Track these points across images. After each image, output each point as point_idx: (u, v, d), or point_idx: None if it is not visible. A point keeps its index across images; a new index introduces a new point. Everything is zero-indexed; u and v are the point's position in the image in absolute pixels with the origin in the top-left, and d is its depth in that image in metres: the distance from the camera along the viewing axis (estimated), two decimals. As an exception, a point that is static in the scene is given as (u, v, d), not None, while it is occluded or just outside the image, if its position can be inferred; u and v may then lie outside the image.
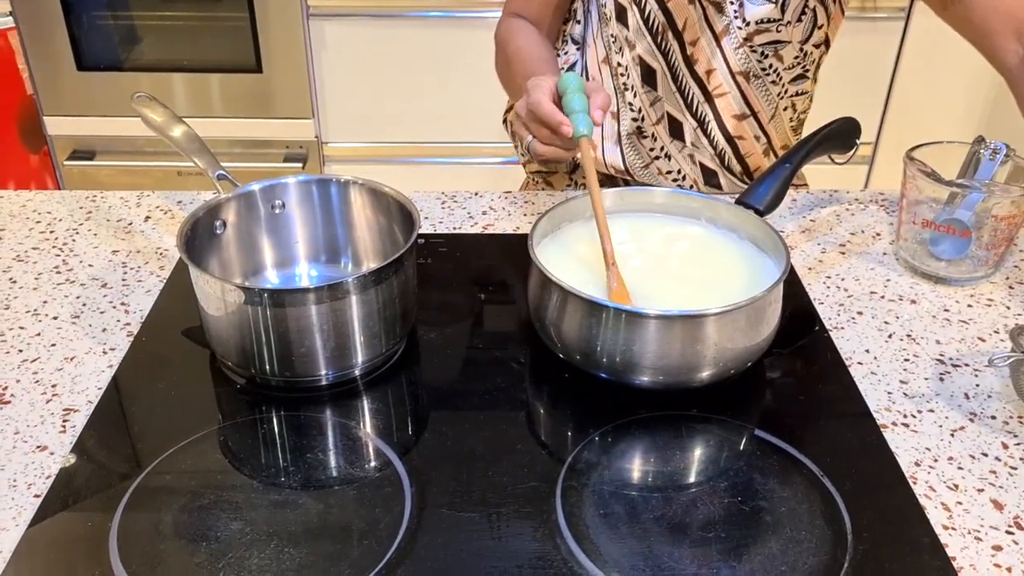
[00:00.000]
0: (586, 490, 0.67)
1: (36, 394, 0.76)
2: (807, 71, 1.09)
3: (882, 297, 0.91)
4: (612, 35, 1.08)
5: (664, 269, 0.84)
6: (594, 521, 0.64)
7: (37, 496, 0.66)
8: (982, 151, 0.95)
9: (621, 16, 1.06)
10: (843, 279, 0.94)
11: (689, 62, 1.06)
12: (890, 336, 0.85)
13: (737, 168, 1.13)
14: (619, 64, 1.09)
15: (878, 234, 1.02)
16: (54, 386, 0.77)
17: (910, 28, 2.04)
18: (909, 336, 0.85)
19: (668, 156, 1.12)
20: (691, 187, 1.14)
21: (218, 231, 0.79)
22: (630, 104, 1.10)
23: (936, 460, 0.70)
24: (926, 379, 0.79)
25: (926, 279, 0.94)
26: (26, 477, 0.67)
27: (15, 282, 0.91)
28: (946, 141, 0.96)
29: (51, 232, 1.00)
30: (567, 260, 0.83)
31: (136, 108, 0.89)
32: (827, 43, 1.10)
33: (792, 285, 0.92)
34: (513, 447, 0.71)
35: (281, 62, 2.06)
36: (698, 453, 0.72)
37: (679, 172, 1.13)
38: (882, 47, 2.08)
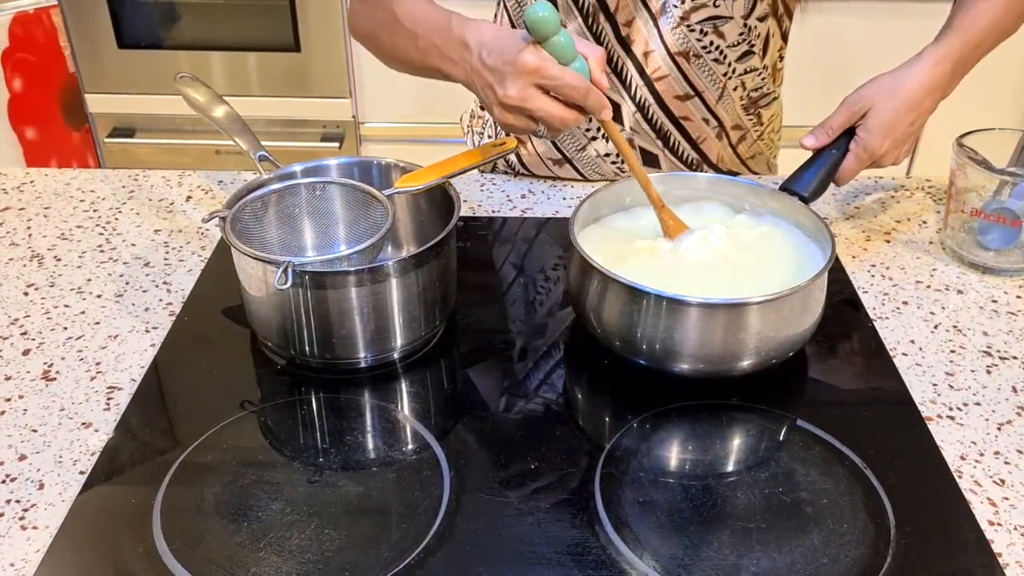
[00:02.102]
0: (625, 477, 0.67)
1: (81, 371, 0.77)
2: (754, 47, 1.02)
3: (928, 287, 0.89)
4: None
5: (709, 256, 0.83)
6: (633, 508, 0.64)
7: (82, 472, 0.67)
8: (1035, 138, 0.92)
9: None
10: (888, 268, 0.92)
11: (625, 43, 0.99)
12: (936, 327, 0.83)
13: (686, 150, 1.07)
14: None
15: (924, 222, 1.00)
16: (98, 364, 0.78)
17: (958, 9, 2.00)
18: (956, 327, 0.83)
19: (606, 139, 1.06)
20: (629, 170, 1.09)
21: (259, 212, 0.80)
22: None
23: (982, 454, 0.69)
24: (972, 371, 0.78)
25: (973, 269, 0.92)
26: (71, 454, 0.68)
27: (60, 260, 0.92)
28: (997, 128, 0.94)
29: (95, 211, 1.01)
30: (608, 245, 0.82)
31: (179, 88, 0.90)
32: (788, 13, 1.04)
33: (836, 273, 0.91)
34: (552, 433, 0.71)
35: (319, 41, 2.06)
36: (738, 442, 0.71)
37: (617, 155, 1.07)
38: (929, 29, 2.03)
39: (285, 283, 0.69)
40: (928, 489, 0.66)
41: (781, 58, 1.08)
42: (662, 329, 0.71)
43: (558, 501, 0.64)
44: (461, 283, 0.87)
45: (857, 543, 0.61)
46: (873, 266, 0.92)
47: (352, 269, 0.73)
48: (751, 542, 0.61)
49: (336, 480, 0.67)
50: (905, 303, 0.87)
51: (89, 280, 0.89)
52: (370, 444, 0.71)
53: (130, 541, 0.61)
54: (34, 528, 0.62)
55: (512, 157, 1.10)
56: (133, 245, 0.94)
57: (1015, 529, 0.63)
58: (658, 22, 0.98)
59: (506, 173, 1.11)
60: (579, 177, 1.09)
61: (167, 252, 0.93)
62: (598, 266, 0.73)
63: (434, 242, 0.75)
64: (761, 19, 1.00)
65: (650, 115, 1.04)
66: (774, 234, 0.85)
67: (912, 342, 0.81)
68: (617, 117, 1.04)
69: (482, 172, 1.11)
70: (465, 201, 1.03)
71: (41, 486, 0.66)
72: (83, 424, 0.71)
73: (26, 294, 0.87)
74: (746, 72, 1.04)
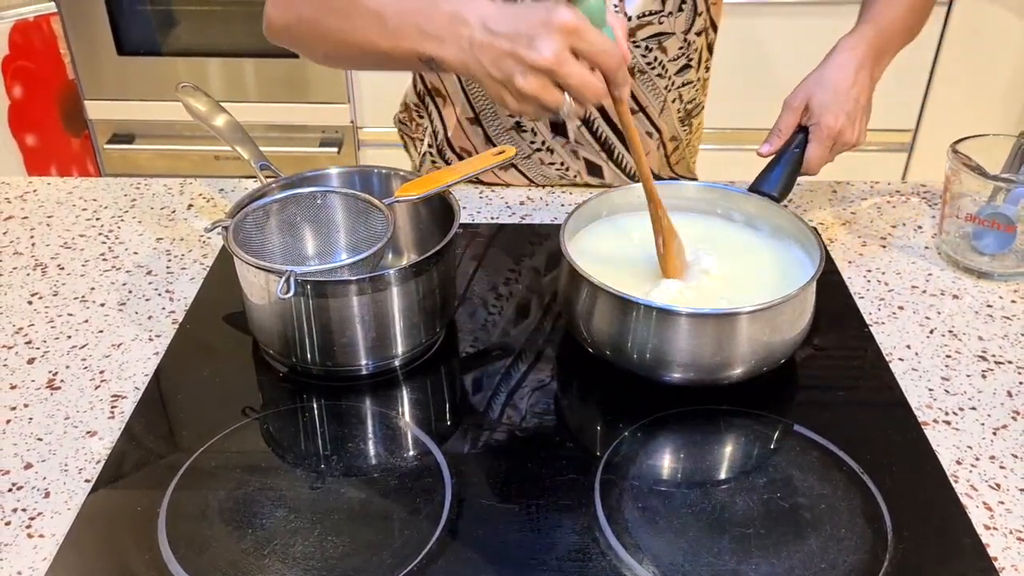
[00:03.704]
0: (625, 483, 0.67)
1: (85, 380, 0.77)
2: (692, 60, 1.04)
3: (924, 292, 0.90)
4: None
5: (695, 264, 0.83)
6: (633, 515, 0.65)
7: (88, 481, 0.67)
8: (1029, 144, 0.93)
9: None
10: (884, 273, 0.93)
11: None
12: (932, 332, 0.84)
13: (629, 162, 1.08)
14: None
15: (920, 227, 1.01)
16: (102, 372, 0.78)
17: (952, 15, 2.01)
18: (951, 332, 0.84)
19: (550, 150, 1.07)
20: (575, 177, 1.09)
21: (261, 221, 0.80)
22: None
23: (978, 459, 0.70)
24: (968, 376, 0.79)
25: (969, 274, 0.93)
26: (77, 462, 0.69)
27: (63, 268, 0.93)
28: (991, 134, 0.94)
29: (97, 219, 1.01)
30: (600, 255, 0.83)
31: (181, 98, 0.90)
32: (714, 27, 1.05)
33: (831, 276, 0.91)
34: (551, 439, 0.72)
35: (317, 47, 2.07)
36: (737, 448, 0.72)
37: (562, 164, 1.08)
38: (923, 33, 2.04)
39: (287, 292, 0.70)
40: (925, 494, 0.67)
41: (707, 69, 1.10)
42: (652, 339, 0.72)
43: (559, 507, 0.65)
44: (461, 290, 0.88)
45: (855, 548, 0.62)
46: (869, 271, 0.93)
47: (353, 278, 0.74)
48: (750, 547, 0.62)
49: (338, 487, 0.67)
50: (901, 308, 0.88)
51: (92, 289, 0.89)
52: (371, 451, 0.72)
53: (136, 548, 0.62)
54: (40, 536, 0.63)
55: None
56: (135, 253, 0.95)
57: (1011, 533, 0.64)
58: None
59: (472, 183, 1.10)
60: (526, 181, 1.10)
61: (169, 260, 0.94)
62: (587, 276, 0.74)
63: (435, 250, 0.75)
64: (698, 34, 1.03)
65: (595, 128, 1.05)
66: (757, 240, 0.86)
67: (908, 347, 0.82)
68: (561, 130, 1.05)
69: (483, 182, 1.12)
70: (464, 208, 1.04)
71: (47, 494, 0.66)
72: (88, 432, 0.72)
73: (30, 303, 0.87)
74: (683, 85, 1.06)
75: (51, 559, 0.61)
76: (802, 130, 0.92)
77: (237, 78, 2.12)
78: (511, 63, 0.67)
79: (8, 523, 0.64)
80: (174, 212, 1.03)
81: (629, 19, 0.97)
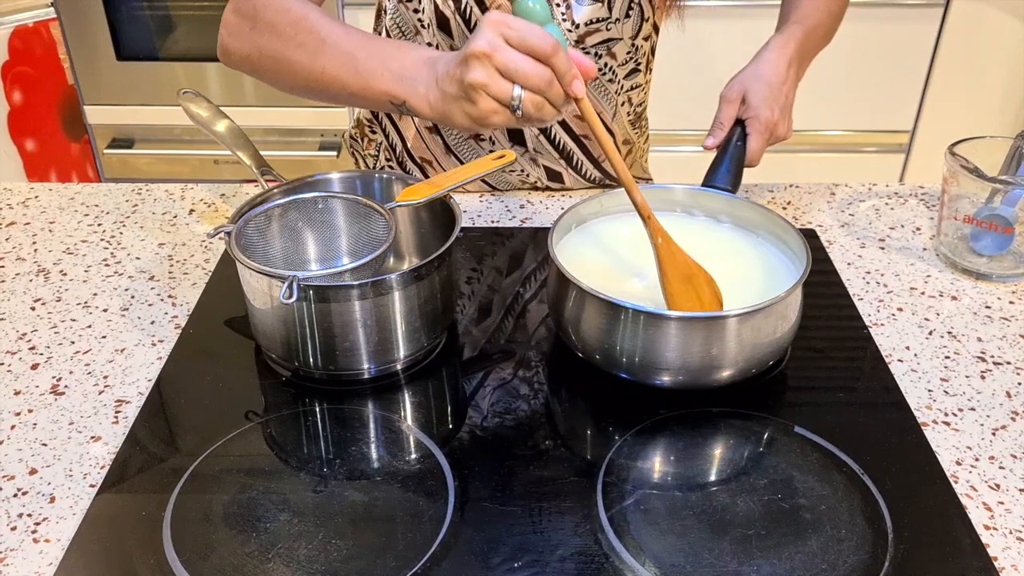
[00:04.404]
0: (626, 485, 0.68)
1: (89, 385, 0.78)
2: (639, 64, 1.06)
3: (922, 293, 0.91)
4: (434, 44, 0.99)
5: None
6: (635, 516, 0.65)
7: (92, 486, 0.68)
8: (1026, 146, 0.94)
9: (444, 26, 0.97)
10: (883, 275, 0.93)
11: None
12: (931, 333, 0.85)
13: (589, 169, 1.10)
14: None
15: (918, 229, 1.02)
16: (106, 377, 0.79)
17: (949, 16, 2.02)
18: (950, 333, 0.85)
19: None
20: (536, 183, 1.10)
21: (263, 226, 0.81)
22: None
23: (977, 459, 0.70)
24: (967, 377, 0.79)
25: (967, 275, 0.93)
26: (81, 467, 0.69)
27: (65, 274, 0.93)
28: (988, 136, 0.95)
29: (99, 225, 1.02)
30: (589, 258, 0.83)
31: (182, 104, 0.91)
32: (656, 29, 1.07)
33: (830, 276, 0.92)
34: (553, 441, 0.72)
35: (316, 51, 2.08)
36: (737, 450, 0.72)
37: (522, 171, 1.09)
38: (920, 35, 2.05)
39: (290, 297, 0.70)
40: (925, 494, 0.67)
41: (650, 71, 1.12)
42: (641, 343, 0.72)
43: (561, 509, 0.65)
44: (462, 294, 0.89)
45: (855, 549, 0.62)
46: (868, 273, 0.94)
47: (355, 282, 0.74)
48: (751, 549, 0.62)
49: (342, 490, 0.68)
50: (900, 309, 0.88)
51: (95, 294, 0.90)
52: (374, 454, 0.72)
53: (141, 553, 0.62)
54: (46, 541, 0.63)
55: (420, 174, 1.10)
56: (138, 259, 0.96)
57: (1010, 533, 0.64)
58: None
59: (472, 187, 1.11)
60: (488, 188, 1.10)
61: (171, 265, 0.94)
62: (575, 280, 0.73)
63: (436, 255, 0.76)
64: (646, 38, 1.04)
65: (552, 135, 1.06)
66: (743, 241, 0.87)
67: (907, 348, 0.83)
68: (519, 138, 1.06)
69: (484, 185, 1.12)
70: (465, 212, 1.04)
71: (52, 499, 0.67)
72: (92, 437, 0.72)
73: (33, 309, 0.88)
74: (632, 89, 1.08)
75: (57, 564, 0.62)
76: (738, 123, 0.94)
77: (236, 82, 2.13)
78: (460, 70, 0.71)
79: (14, 528, 0.64)
80: (176, 217, 1.03)
81: (577, 26, 0.98)
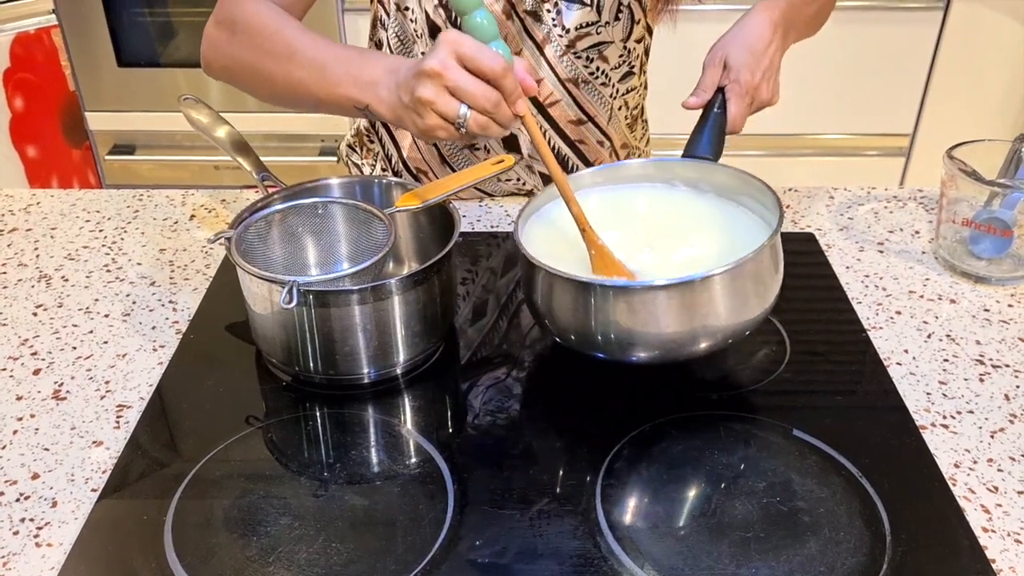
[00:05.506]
0: (625, 489, 0.68)
1: (90, 390, 0.78)
2: (633, 68, 1.06)
3: (921, 296, 0.91)
4: (423, 53, 1.00)
5: (643, 242, 0.82)
6: (633, 520, 0.65)
7: (94, 490, 0.68)
8: (1023, 150, 0.94)
9: (435, 34, 0.99)
10: (881, 278, 0.94)
11: None
12: (929, 336, 0.85)
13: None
14: None
15: (917, 232, 1.02)
16: (107, 382, 0.79)
17: (949, 19, 2.02)
18: (948, 336, 0.85)
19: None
20: (531, 191, 1.10)
21: (263, 231, 0.81)
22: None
23: (976, 462, 0.71)
24: (966, 380, 0.79)
25: (966, 278, 0.93)
26: (83, 472, 0.70)
27: (67, 280, 0.93)
28: (987, 139, 0.95)
29: (100, 231, 1.02)
30: (558, 244, 0.81)
31: (183, 110, 0.91)
32: (649, 31, 1.06)
33: (830, 283, 0.92)
34: (552, 445, 0.72)
35: (317, 57, 2.08)
36: (736, 453, 0.72)
37: (518, 179, 1.09)
38: (920, 38, 2.06)
39: (290, 302, 0.70)
40: (923, 497, 0.67)
41: (645, 72, 1.12)
42: (614, 319, 0.70)
43: (560, 513, 0.66)
44: (461, 298, 0.89)
45: (854, 551, 0.62)
46: (866, 276, 0.94)
47: (355, 287, 0.74)
48: (750, 551, 0.63)
49: (342, 494, 0.68)
50: (899, 313, 0.88)
51: (97, 300, 0.90)
52: (374, 458, 0.72)
53: (142, 557, 0.62)
54: (48, 546, 0.64)
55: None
56: (139, 264, 0.96)
57: (1008, 535, 0.64)
58: (544, 51, 1.00)
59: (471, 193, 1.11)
60: (486, 195, 1.10)
61: (172, 271, 0.95)
62: (540, 264, 0.72)
63: (435, 259, 0.76)
64: (638, 40, 1.04)
65: (547, 141, 1.06)
66: (719, 215, 0.84)
67: (906, 351, 0.83)
68: (514, 145, 1.06)
69: (482, 190, 1.13)
70: (464, 216, 1.05)
71: (54, 504, 0.67)
72: (94, 442, 0.73)
73: (35, 314, 0.88)
74: (627, 92, 1.08)
75: (59, 568, 0.62)
76: (720, 90, 0.92)
77: (235, 89, 2.13)
78: (413, 83, 0.74)
79: (16, 532, 0.65)
80: (176, 223, 1.04)
81: (567, 31, 0.98)
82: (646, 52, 1.09)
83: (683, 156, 0.87)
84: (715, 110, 0.91)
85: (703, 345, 0.72)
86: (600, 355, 0.74)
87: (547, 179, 1.09)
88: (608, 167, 0.89)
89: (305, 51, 0.84)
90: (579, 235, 0.80)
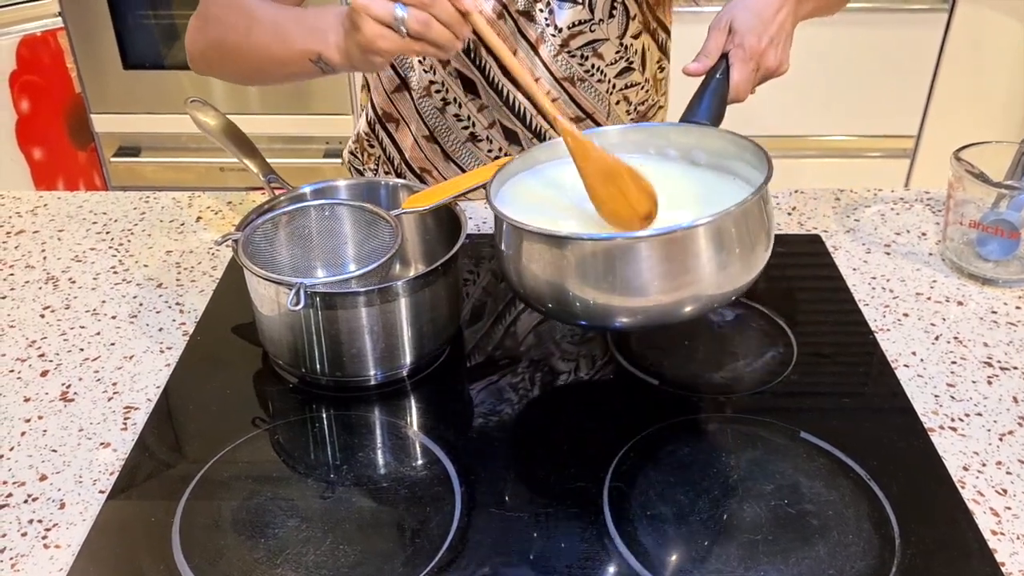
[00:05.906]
0: (633, 491, 0.68)
1: (98, 392, 0.78)
2: (632, 64, 1.04)
3: (928, 298, 0.91)
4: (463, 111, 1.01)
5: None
6: (641, 522, 0.65)
7: (102, 492, 0.68)
8: (1031, 151, 0.94)
9: (470, 88, 1.00)
10: (888, 280, 0.94)
11: (511, 75, 0.96)
12: (937, 338, 0.85)
13: None
14: (432, 83, 1.03)
15: (924, 234, 1.02)
16: (115, 384, 0.79)
17: (954, 21, 2.02)
18: (956, 338, 0.85)
19: (480, 140, 1.06)
20: None
21: (270, 233, 0.81)
22: (456, 115, 1.04)
23: (984, 464, 0.70)
24: (974, 382, 0.79)
25: (973, 280, 0.93)
26: (91, 473, 0.70)
27: (74, 282, 0.93)
28: (994, 141, 0.95)
29: (107, 233, 1.02)
30: (530, 207, 0.79)
31: (189, 112, 0.91)
32: (663, 27, 1.05)
33: (836, 285, 0.92)
34: (560, 447, 0.72)
35: (322, 59, 2.09)
36: (743, 456, 0.72)
37: (500, 150, 1.07)
38: (925, 40, 2.06)
39: (297, 304, 0.70)
40: (931, 500, 0.67)
41: (661, 69, 1.11)
42: (591, 279, 0.66)
43: (568, 515, 0.66)
44: (467, 299, 0.89)
45: (862, 554, 0.62)
46: (874, 278, 0.94)
47: (362, 289, 0.74)
48: (758, 554, 0.62)
49: (349, 496, 0.68)
50: (906, 315, 0.88)
51: (104, 302, 0.90)
52: (381, 460, 0.72)
53: (150, 558, 0.62)
54: (56, 547, 0.64)
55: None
56: (146, 266, 0.96)
57: (1018, 538, 0.64)
58: (539, 51, 1.00)
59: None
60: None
61: (179, 273, 0.95)
62: (512, 222, 0.68)
63: (442, 261, 0.76)
64: (635, 37, 1.03)
65: (546, 139, 1.05)
66: (690, 174, 0.82)
67: (913, 354, 0.83)
68: (515, 138, 1.06)
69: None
70: (470, 219, 1.04)
71: (62, 505, 0.67)
72: (102, 444, 0.73)
73: (42, 316, 0.88)
74: (627, 87, 1.07)
75: (67, 569, 0.62)
76: (724, 57, 0.88)
77: (241, 90, 2.13)
78: (351, 5, 0.74)
79: (24, 534, 0.65)
80: (183, 225, 1.04)
81: (560, 30, 0.98)
82: (661, 49, 1.08)
83: (680, 121, 0.84)
84: (717, 76, 0.87)
85: (687, 309, 0.68)
86: (582, 323, 0.69)
87: None
88: (593, 132, 0.85)
89: (265, 17, 0.87)
90: (559, 198, 0.76)
